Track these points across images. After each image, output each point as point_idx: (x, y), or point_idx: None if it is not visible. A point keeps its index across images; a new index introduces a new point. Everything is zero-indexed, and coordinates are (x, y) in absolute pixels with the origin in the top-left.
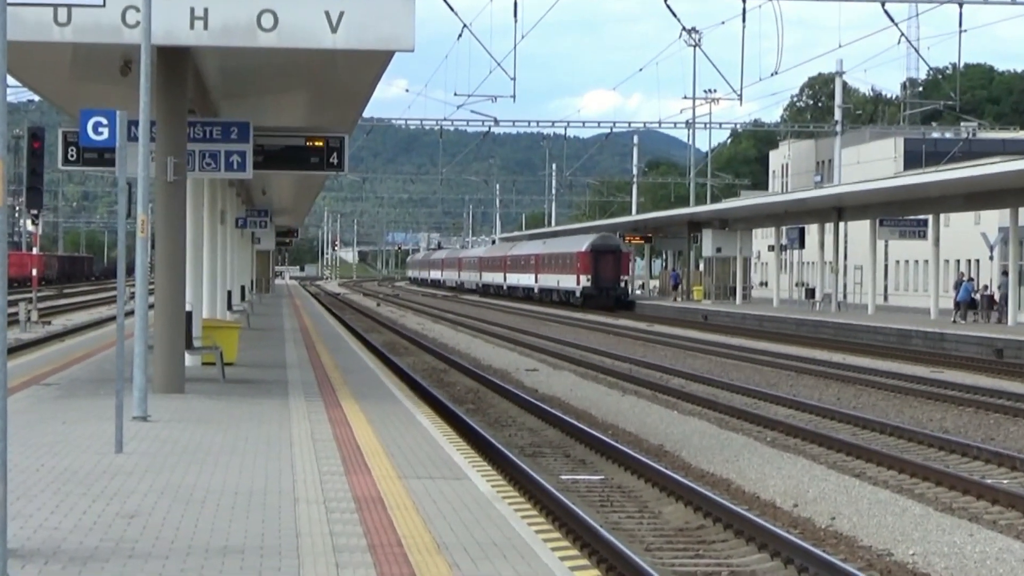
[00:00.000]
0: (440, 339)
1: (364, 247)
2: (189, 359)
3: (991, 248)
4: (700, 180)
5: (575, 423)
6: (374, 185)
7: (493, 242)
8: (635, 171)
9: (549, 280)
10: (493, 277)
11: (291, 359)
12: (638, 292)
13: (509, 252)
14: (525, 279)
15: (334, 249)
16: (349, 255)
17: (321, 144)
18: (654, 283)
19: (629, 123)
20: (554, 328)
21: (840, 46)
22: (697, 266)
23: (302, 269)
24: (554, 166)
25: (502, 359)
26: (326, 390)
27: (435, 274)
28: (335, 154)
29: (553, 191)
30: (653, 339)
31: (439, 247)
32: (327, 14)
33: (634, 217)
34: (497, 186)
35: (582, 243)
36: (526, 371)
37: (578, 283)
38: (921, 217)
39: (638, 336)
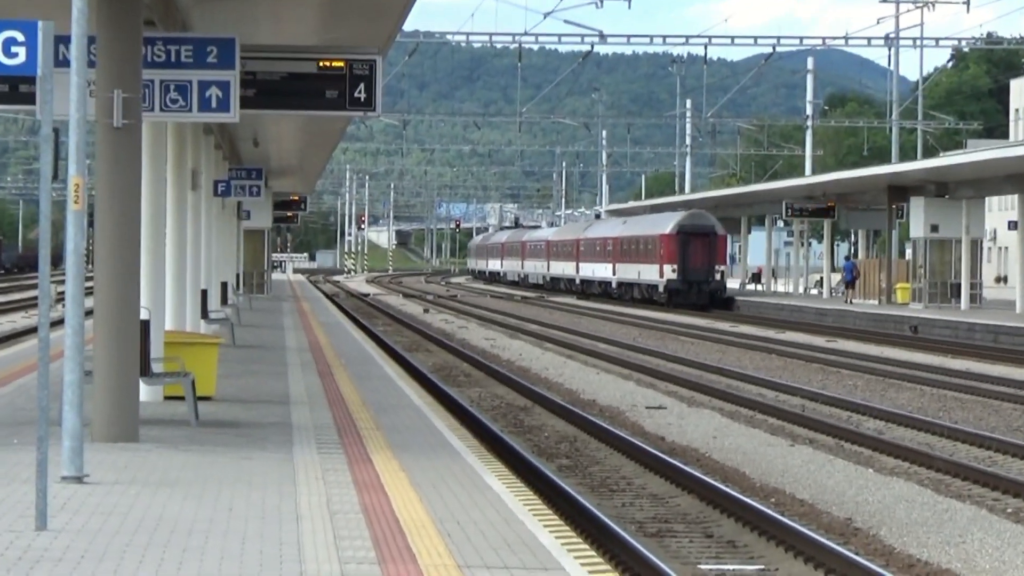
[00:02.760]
0: (518, 362)
1: (405, 225)
2: (146, 391)
3: None
4: (907, 124)
5: (720, 487)
6: (420, 132)
7: (597, 216)
8: (809, 110)
9: (628, 271)
10: (564, 267)
11: (297, 391)
12: (813, 291)
13: (583, 234)
14: (601, 270)
15: (360, 228)
16: (382, 237)
17: (341, 71)
18: (837, 276)
19: (800, 39)
20: (687, 345)
21: None
22: (902, 252)
23: (312, 258)
24: (688, 103)
25: (611, 391)
26: (349, 438)
27: (493, 264)
28: (362, 86)
29: (687, 141)
30: (835, 361)
31: (516, 225)
32: None
33: (807, 179)
34: (603, 133)
35: (667, 223)
36: (647, 409)
37: (661, 275)
38: None
39: (813, 357)
